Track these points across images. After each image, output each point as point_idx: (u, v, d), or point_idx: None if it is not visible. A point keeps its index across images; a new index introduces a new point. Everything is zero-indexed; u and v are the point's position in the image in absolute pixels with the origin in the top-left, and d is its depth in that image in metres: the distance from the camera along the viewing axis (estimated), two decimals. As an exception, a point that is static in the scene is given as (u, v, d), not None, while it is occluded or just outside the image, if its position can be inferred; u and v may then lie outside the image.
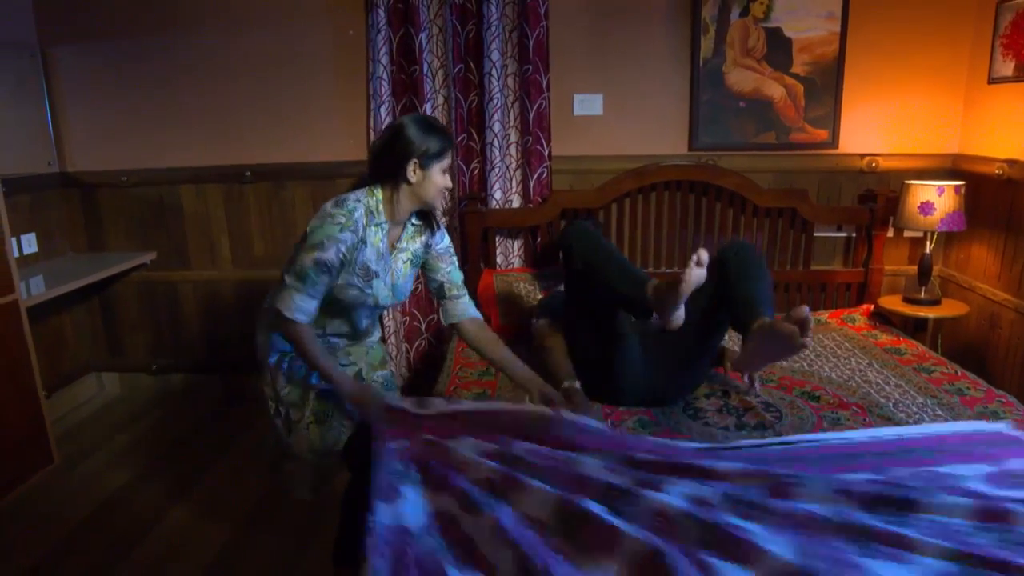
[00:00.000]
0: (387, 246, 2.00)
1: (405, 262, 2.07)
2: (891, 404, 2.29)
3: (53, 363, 3.58)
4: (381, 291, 2.01)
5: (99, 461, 3.22)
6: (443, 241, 2.16)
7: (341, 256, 1.87)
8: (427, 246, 2.12)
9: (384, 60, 3.19)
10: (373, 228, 1.94)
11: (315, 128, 3.48)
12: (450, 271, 2.18)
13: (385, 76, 3.21)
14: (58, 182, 3.65)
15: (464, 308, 2.20)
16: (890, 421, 2.16)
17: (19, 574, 2.43)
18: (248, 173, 3.56)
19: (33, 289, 3.12)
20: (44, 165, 3.57)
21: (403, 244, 2.06)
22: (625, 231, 3.37)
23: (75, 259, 3.69)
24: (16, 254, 2.96)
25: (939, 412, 2.22)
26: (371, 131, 3.32)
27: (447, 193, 2.02)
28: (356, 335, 2.16)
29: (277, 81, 3.46)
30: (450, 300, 2.19)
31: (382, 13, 3.15)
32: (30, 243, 3.47)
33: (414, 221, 2.07)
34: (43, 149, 3.57)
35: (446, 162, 1.96)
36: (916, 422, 2.15)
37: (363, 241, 1.92)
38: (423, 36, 3.17)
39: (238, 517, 2.71)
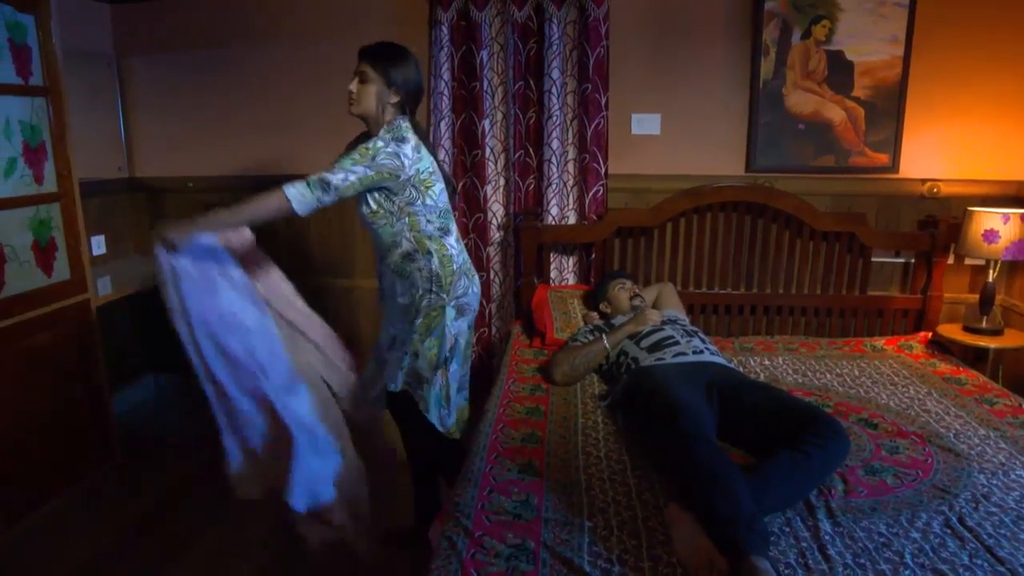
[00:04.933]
0: None
1: None
2: (951, 435, 2.25)
3: (112, 362, 3.68)
4: None
5: (156, 460, 3.31)
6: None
7: None
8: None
9: (446, 76, 3.26)
10: None
11: (375, 141, 3.55)
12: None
13: (446, 92, 3.27)
14: (127, 186, 3.79)
15: None
16: (951, 452, 2.12)
17: (84, 563, 2.53)
18: (309, 183, 3.65)
19: (101, 289, 3.23)
20: (115, 170, 3.72)
21: None
22: (680, 251, 3.37)
23: (139, 261, 3.81)
24: (86, 255, 3.07)
25: (1002, 445, 2.18)
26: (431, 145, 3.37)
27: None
28: None
29: (341, 94, 3.53)
30: None
31: (445, 30, 3.22)
32: (99, 245, 3.61)
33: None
34: (115, 155, 3.72)
35: None
36: (979, 455, 2.11)
37: None
38: (484, 53, 3.23)
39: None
